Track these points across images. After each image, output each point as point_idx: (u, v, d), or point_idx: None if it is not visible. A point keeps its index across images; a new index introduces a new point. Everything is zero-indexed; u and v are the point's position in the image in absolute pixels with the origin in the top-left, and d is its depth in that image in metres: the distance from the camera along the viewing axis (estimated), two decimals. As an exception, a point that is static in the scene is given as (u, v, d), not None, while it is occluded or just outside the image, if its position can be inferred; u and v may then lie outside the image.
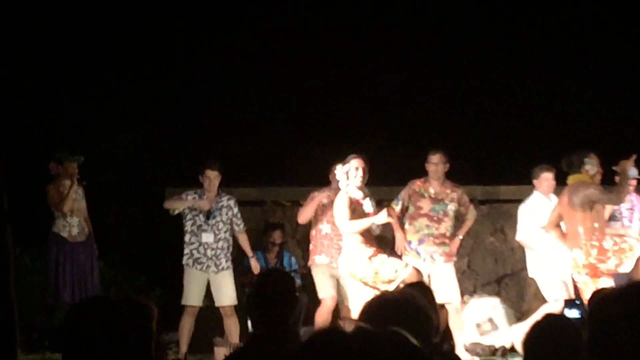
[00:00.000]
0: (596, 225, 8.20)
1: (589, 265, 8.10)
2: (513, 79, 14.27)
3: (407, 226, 9.05)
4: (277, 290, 4.33)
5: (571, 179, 8.40)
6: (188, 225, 9.22)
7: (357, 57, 14.56)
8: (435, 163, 9.13)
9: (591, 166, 8.32)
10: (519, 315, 10.10)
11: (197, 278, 9.14)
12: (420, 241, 8.97)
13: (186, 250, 9.17)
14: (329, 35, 14.35)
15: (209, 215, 9.16)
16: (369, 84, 14.49)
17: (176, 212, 9.22)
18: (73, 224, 9.44)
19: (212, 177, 9.16)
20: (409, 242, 8.98)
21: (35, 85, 13.31)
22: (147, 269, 11.43)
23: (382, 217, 7.97)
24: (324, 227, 9.11)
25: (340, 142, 12.31)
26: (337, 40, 14.42)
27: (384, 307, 2.80)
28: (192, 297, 9.15)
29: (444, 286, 8.86)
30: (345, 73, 14.35)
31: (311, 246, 9.29)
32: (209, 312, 9.86)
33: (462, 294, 10.61)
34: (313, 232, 9.26)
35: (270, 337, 4.26)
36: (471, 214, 9.33)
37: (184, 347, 9.11)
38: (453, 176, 9.48)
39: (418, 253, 8.96)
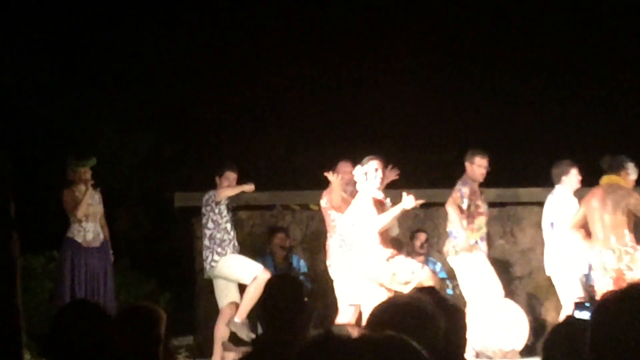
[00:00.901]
0: (626, 231, 8.18)
1: (618, 270, 8.07)
2: (520, 82, 14.23)
3: (466, 225, 8.95)
4: (286, 295, 4.33)
5: (605, 179, 8.35)
6: (223, 222, 9.21)
7: (367, 61, 14.56)
8: (486, 166, 9.08)
9: (633, 171, 8.30)
10: (529, 318, 10.07)
11: None
12: (482, 239, 8.98)
13: (226, 241, 9.17)
14: (337, 40, 14.35)
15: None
16: (378, 87, 14.48)
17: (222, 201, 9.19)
18: (88, 229, 9.44)
19: (232, 179, 9.23)
20: (474, 242, 8.96)
21: (44, 92, 13.34)
22: (157, 273, 11.45)
23: (410, 201, 7.91)
24: None
25: (350, 146, 12.32)
26: (346, 46, 14.43)
27: (391, 312, 2.79)
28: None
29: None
30: (354, 77, 14.35)
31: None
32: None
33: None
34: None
35: (278, 342, 4.25)
36: None
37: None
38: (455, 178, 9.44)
39: (482, 251, 8.97)
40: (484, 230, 9.03)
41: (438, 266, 10.60)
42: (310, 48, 14.31)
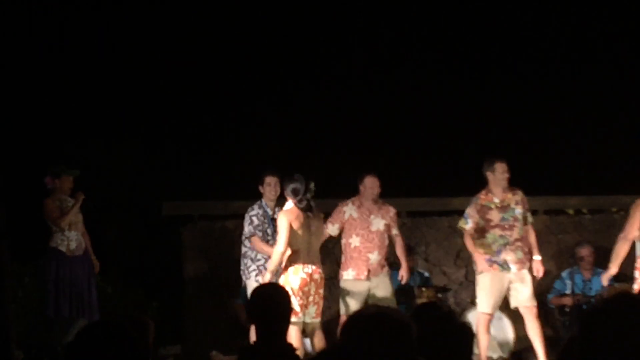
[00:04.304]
0: None
1: None
2: (510, 87, 14.27)
3: (477, 239, 8.92)
4: (271, 304, 4.35)
5: None
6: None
7: (360, 71, 14.57)
8: (505, 171, 9.05)
9: None
10: (517, 326, 10.10)
11: None
12: (498, 252, 8.91)
13: (252, 267, 8.93)
14: (327, 51, 14.40)
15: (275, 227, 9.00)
16: (368, 97, 14.52)
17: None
18: (71, 238, 9.44)
19: (273, 183, 9.06)
20: (487, 258, 8.90)
21: (33, 102, 13.34)
22: (144, 283, 11.45)
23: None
24: (353, 241, 9.10)
25: (338, 156, 12.34)
26: (335, 56, 14.47)
27: (362, 323, 2.83)
28: None
29: (524, 291, 8.89)
30: (344, 87, 14.37)
31: (342, 258, 9.20)
32: (208, 325, 9.88)
33: (460, 306, 10.63)
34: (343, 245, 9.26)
35: (265, 350, 4.28)
36: (530, 219, 9.14)
37: None
38: (465, 186, 9.44)
39: (499, 264, 8.92)
40: (501, 242, 8.88)
41: (425, 275, 10.64)
42: (299, 58, 14.34)
